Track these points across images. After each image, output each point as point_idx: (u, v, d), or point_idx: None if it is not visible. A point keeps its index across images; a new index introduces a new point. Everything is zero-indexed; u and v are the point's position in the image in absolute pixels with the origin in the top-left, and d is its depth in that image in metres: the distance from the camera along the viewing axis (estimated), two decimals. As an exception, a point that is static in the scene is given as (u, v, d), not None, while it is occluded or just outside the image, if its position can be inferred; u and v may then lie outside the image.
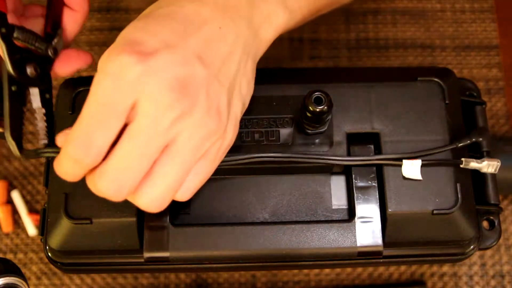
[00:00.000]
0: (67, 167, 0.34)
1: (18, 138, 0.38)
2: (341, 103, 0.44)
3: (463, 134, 0.45)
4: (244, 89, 0.38)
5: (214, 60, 0.35)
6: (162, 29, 0.34)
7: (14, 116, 0.38)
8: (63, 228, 0.42)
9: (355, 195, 0.43)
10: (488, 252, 0.62)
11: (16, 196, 0.66)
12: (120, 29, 0.36)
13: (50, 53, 0.41)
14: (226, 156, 0.38)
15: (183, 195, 0.35)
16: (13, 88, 0.38)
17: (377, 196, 0.43)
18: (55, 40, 0.42)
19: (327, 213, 0.44)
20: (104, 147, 0.33)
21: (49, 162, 0.46)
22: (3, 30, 0.38)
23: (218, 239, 0.41)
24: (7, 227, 0.66)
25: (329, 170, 0.45)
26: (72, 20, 0.42)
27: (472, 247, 0.44)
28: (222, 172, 0.43)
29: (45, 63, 0.41)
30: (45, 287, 0.64)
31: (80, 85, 0.46)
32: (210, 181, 0.39)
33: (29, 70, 0.40)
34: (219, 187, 0.44)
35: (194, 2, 0.36)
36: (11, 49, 0.39)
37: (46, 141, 0.40)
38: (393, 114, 0.44)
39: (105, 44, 0.72)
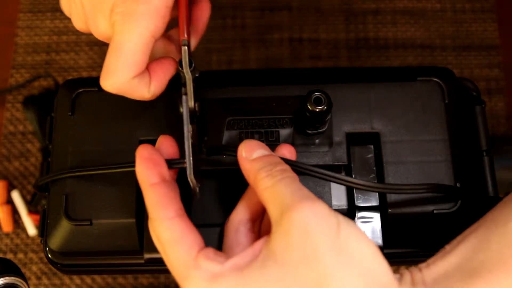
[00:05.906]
0: None
1: (197, 177, 0.37)
2: (341, 103, 0.44)
3: (462, 134, 0.45)
4: None
5: None
6: None
7: (194, 157, 0.37)
8: (63, 229, 0.42)
9: (355, 195, 0.43)
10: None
11: (16, 196, 0.66)
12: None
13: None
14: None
15: None
16: (190, 127, 0.37)
17: (377, 196, 0.43)
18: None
19: (327, 213, 0.44)
20: None
21: (47, 163, 0.45)
22: (190, 65, 0.37)
23: (218, 240, 0.41)
24: (7, 227, 0.66)
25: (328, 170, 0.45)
26: (195, 42, 0.41)
27: (472, 247, 0.44)
28: (221, 173, 0.43)
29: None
30: (45, 287, 0.64)
31: (80, 86, 0.46)
32: (210, 181, 0.39)
33: (197, 106, 0.38)
34: (219, 188, 0.44)
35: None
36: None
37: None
38: (393, 114, 0.44)
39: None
